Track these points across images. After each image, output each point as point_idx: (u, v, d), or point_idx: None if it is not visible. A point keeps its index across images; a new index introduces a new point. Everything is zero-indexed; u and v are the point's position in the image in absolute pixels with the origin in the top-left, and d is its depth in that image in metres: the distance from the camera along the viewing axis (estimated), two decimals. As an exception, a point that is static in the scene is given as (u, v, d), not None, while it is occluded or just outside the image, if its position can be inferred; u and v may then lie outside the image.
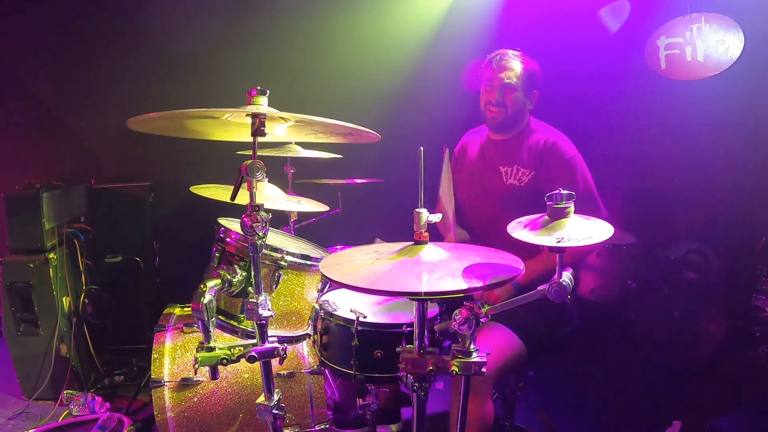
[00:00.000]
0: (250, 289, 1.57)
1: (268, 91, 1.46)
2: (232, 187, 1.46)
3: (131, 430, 2.39)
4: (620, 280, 3.45)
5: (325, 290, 1.90)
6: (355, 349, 1.93)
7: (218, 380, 2.13)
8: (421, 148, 1.47)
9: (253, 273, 1.48)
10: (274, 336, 1.59)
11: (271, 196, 2.03)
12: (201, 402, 2.11)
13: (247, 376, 2.18)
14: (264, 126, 1.47)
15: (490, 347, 1.94)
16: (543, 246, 1.30)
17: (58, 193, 3.22)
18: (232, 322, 1.67)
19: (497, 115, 2.30)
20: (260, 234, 1.43)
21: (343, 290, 2.33)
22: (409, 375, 1.37)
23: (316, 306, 1.86)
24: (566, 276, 1.32)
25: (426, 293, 1.20)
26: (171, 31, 3.62)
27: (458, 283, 1.22)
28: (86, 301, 3.31)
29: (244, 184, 1.44)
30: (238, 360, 1.49)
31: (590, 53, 3.60)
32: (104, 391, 3.20)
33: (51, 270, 3.06)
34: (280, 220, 2.82)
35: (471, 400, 1.90)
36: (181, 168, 3.70)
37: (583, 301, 3.42)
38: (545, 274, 1.67)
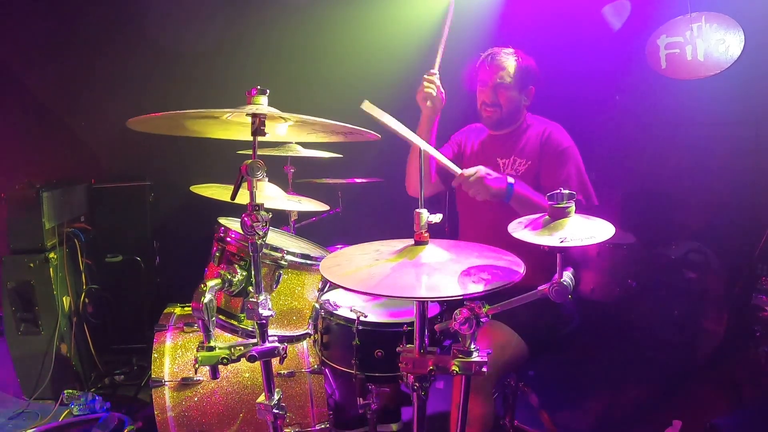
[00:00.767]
0: (250, 288, 1.57)
1: (268, 91, 1.46)
2: (233, 187, 1.46)
3: (131, 430, 2.39)
4: (620, 279, 3.45)
5: (325, 289, 1.90)
6: (355, 348, 1.93)
7: (219, 380, 2.14)
8: (421, 148, 1.48)
9: (253, 272, 1.48)
10: (275, 335, 1.59)
11: (271, 195, 2.03)
12: (201, 401, 2.11)
13: (247, 375, 2.18)
14: (264, 125, 1.47)
15: (491, 345, 1.95)
16: (544, 246, 1.29)
17: (58, 192, 3.22)
18: (232, 321, 1.67)
19: (492, 115, 2.32)
20: (260, 233, 1.43)
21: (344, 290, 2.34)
22: (409, 374, 1.37)
23: (317, 305, 1.86)
24: (567, 276, 1.32)
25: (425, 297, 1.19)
26: (171, 31, 3.62)
27: (458, 288, 1.22)
28: (86, 300, 3.31)
29: (245, 184, 1.44)
30: (238, 359, 1.49)
31: (590, 52, 3.59)
32: (104, 391, 3.21)
33: (51, 270, 3.06)
34: (280, 219, 2.82)
35: (472, 399, 1.91)
36: (181, 167, 3.70)
37: (583, 301, 3.42)
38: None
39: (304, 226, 3.12)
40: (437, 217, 1.42)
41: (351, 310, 2.03)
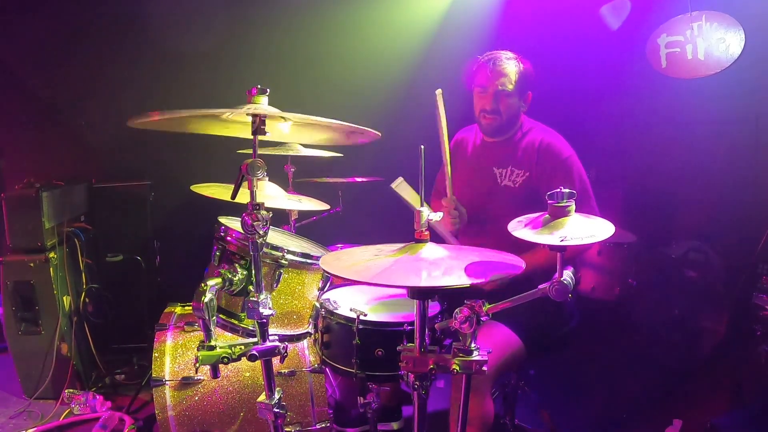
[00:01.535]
0: (250, 287, 1.57)
1: (268, 90, 1.46)
2: (233, 186, 1.46)
3: (132, 429, 2.39)
4: (621, 278, 3.45)
5: (325, 289, 1.90)
6: (356, 347, 1.93)
7: (219, 379, 2.14)
8: (422, 147, 1.48)
9: (253, 272, 1.49)
10: (275, 334, 1.60)
11: (271, 194, 2.03)
12: (202, 401, 2.12)
13: (248, 374, 2.18)
14: (264, 125, 1.47)
15: (491, 344, 1.95)
16: (544, 245, 1.30)
17: (59, 192, 3.22)
18: (233, 320, 1.67)
19: (492, 122, 2.28)
20: (261, 232, 1.43)
21: (344, 289, 2.34)
22: (409, 373, 1.37)
23: (317, 304, 1.86)
24: (567, 274, 1.32)
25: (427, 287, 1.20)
26: (172, 31, 3.62)
27: (459, 279, 1.22)
28: (87, 300, 3.31)
29: (245, 183, 1.44)
30: (239, 359, 1.49)
31: (591, 52, 3.59)
32: (105, 390, 3.21)
33: (52, 269, 3.06)
34: (280, 218, 2.82)
35: (473, 397, 1.91)
36: (181, 167, 3.70)
37: (583, 300, 3.42)
38: (541, 267, 1.67)
39: (305, 226, 3.12)
40: (437, 216, 1.42)
41: (351, 310, 2.03)
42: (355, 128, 1.53)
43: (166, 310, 2.50)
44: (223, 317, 1.67)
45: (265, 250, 1.60)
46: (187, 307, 2.52)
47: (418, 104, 3.84)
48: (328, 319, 2.05)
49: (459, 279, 1.23)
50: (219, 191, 2.09)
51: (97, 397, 2.92)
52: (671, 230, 3.70)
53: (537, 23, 3.51)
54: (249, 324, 1.64)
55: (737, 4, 3.06)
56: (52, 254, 3.08)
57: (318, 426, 2.20)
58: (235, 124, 1.60)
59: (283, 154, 2.76)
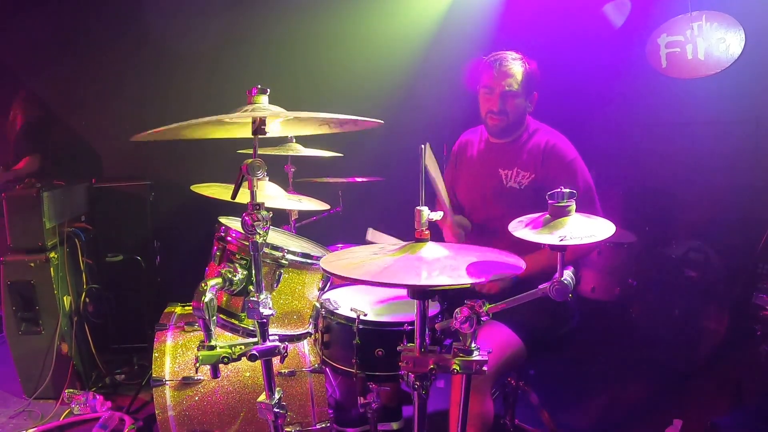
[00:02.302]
0: (251, 287, 1.57)
1: (268, 90, 1.46)
2: (233, 186, 1.46)
3: (132, 429, 2.39)
4: (621, 278, 3.45)
5: (326, 289, 1.90)
6: (356, 347, 1.93)
7: (219, 379, 2.14)
8: (422, 146, 1.48)
9: (254, 271, 1.48)
10: (275, 334, 1.59)
11: (271, 194, 2.03)
12: (202, 401, 2.12)
13: (248, 374, 2.18)
14: (264, 125, 1.47)
15: (491, 344, 1.94)
16: (544, 245, 1.30)
17: (59, 192, 3.22)
18: (233, 320, 1.67)
19: (499, 123, 2.27)
20: (261, 232, 1.43)
21: (345, 289, 2.34)
22: (410, 373, 1.37)
23: (317, 304, 1.86)
24: (567, 274, 1.32)
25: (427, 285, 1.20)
26: (172, 31, 3.62)
27: (459, 278, 1.22)
28: (87, 300, 3.31)
29: (245, 183, 1.44)
30: (239, 359, 1.49)
31: (591, 52, 3.59)
32: (105, 390, 3.20)
33: (52, 269, 3.06)
34: (280, 218, 2.82)
35: (474, 397, 1.91)
36: (181, 167, 3.71)
37: (583, 300, 3.42)
38: (544, 270, 1.66)
39: (305, 226, 3.12)
40: (438, 215, 1.42)
41: (352, 310, 2.03)
42: (356, 120, 1.52)
43: (166, 310, 2.50)
44: (224, 317, 1.67)
45: (265, 250, 1.60)
46: (187, 307, 2.52)
47: (418, 104, 3.87)
48: (328, 319, 2.05)
49: (458, 279, 1.23)
50: (219, 191, 2.09)
51: (97, 397, 2.92)
52: (671, 230, 3.70)
53: (537, 23, 3.51)
54: (249, 324, 1.64)
55: (737, 4, 3.06)
56: (52, 254, 3.08)
57: (318, 426, 2.20)
58: (235, 125, 1.60)
59: (283, 154, 2.76)
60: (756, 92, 3.26)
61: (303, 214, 3.06)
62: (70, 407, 2.88)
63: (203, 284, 1.51)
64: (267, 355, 1.51)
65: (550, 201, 1.35)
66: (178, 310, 2.50)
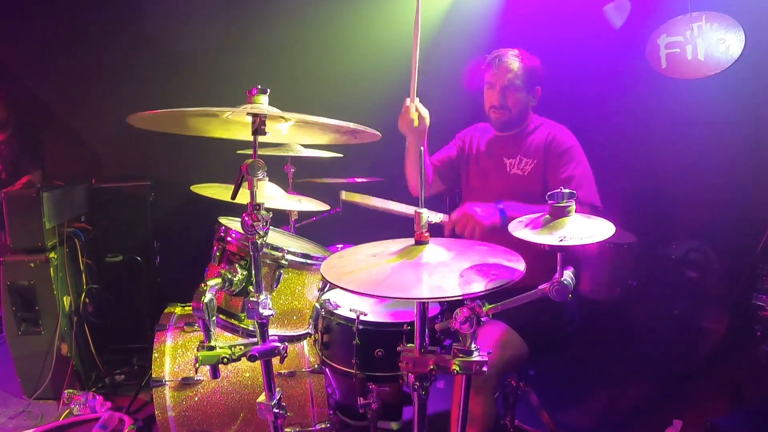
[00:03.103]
0: (250, 288, 1.57)
1: (268, 90, 1.46)
2: (233, 186, 1.46)
3: (132, 430, 2.39)
4: (621, 278, 3.45)
5: (325, 289, 1.90)
6: (356, 347, 1.93)
7: (219, 379, 2.14)
8: (422, 148, 1.48)
9: (253, 272, 1.48)
10: (275, 335, 1.60)
11: (271, 195, 2.03)
12: (202, 401, 2.12)
13: (248, 375, 2.18)
14: (264, 125, 1.47)
15: (491, 344, 1.95)
16: (544, 245, 1.29)
17: (59, 192, 3.22)
18: (232, 321, 1.67)
19: (501, 117, 2.34)
20: (261, 233, 1.43)
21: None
22: (410, 374, 1.37)
23: (317, 305, 1.86)
24: (567, 275, 1.32)
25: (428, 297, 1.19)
26: (172, 31, 3.62)
27: (459, 288, 1.22)
28: (87, 300, 3.31)
29: (245, 183, 1.44)
30: (238, 359, 1.49)
31: (591, 52, 3.59)
32: (105, 391, 3.21)
33: (52, 269, 3.06)
34: (280, 219, 2.82)
35: (474, 398, 1.91)
36: (181, 167, 3.70)
37: (583, 300, 3.42)
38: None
39: (305, 226, 3.12)
40: (438, 217, 1.42)
41: (351, 310, 2.03)
42: (356, 129, 1.52)
43: (165, 311, 2.50)
44: (223, 317, 1.67)
45: (265, 250, 1.60)
46: (187, 308, 2.52)
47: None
48: (328, 319, 2.05)
49: (459, 289, 1.22)
50: (219, 191, 2.09)
51: (97, 397, 2.92)
52: (671, 230, 3.69)
53: (537, 24, 3.51)
54: (249, 324, 1.64)
55: (737, 4, 3.06)
56: (52, 254, 3.08)
57: (318, 426, 2.20)
58: (235, 125, 1.60)
59: (283, 154, 2.77)
60: (756, 93, 3.26)
61: (303, 215, 3.06)
62: (69, 407, 2.88)
63: (203, 284, 1.51)
64: (267, 355, 1.50)
65: (549, 201, 1.35)
66: (178, 310, 2.50)
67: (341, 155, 2.95)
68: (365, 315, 1.99)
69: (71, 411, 2.86)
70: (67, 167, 3.75)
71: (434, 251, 1.37)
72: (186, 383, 2.12)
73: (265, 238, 1.45)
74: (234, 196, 1.47)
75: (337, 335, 2.03)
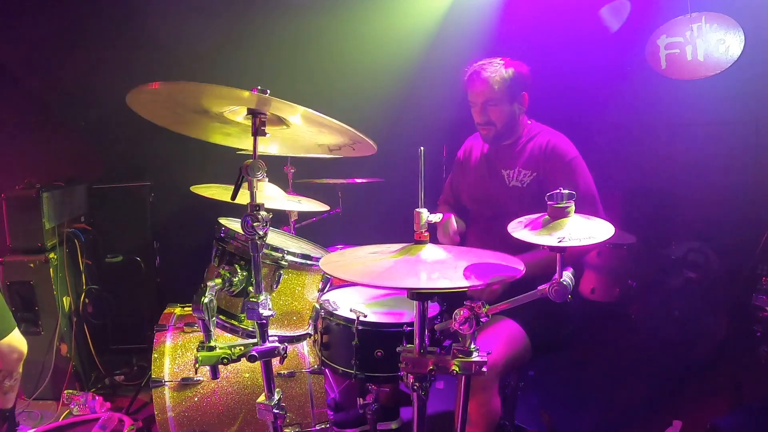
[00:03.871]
0: (250, 288, 1.57)
1: (268, 91, 1.46)
2: (233, 187, 1.46)
3: (132, 430, 2.39)
4: (621, 279, 3.45)
5: (325, 290, 1.90)
6: (355, 348, 1.93)
7: (219, 380, 2.14)
8: (422, 148, 1.48)
9: (253, 272, 1.48)
10: (275, 335, 1.60)
11: (271, 195, 2.04)
12: (201, 401, 2.12)
13: (247, 375, 2.18)
14: (264, 125, 1.47)
15: (497, 340, 1.95)
16: (544, 245, 1.30)
17: (59, 192, 3.22)
18: (232, 321, 1.67)
19: (488, 133, 2.29)
20: (261, 233, 1.43)
21: (344, 290, 2.34)
22: (409, 375, 1.37)
23: (317, 305, 1.86)
24: (566, 276, 1.32)
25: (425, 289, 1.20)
26: (172, 31, 3.62)
27: (457, 281, 1.22)
28: (87, 300, 3.31)
29: (245, 184, 1.44)
30: (238, 359, 1.49)
31: (590, 53, 3.59)
32: (105, 391, 3.21)
33: (51, 270, 3.06)
34: (280, 219, 2.82)
35: (477, 396, 1.91)
36: (181, 168, 3.70)
37: (583, 301, 3.42)
38: (543, 268, 1.66)
39: (305, 227, 3.12)
40: (437, 217, 1.42)
41: (351, 311, 2.03)
42: (355, 136, 1.51)
43: (165, 311, 2.50)
44: (223, 318, 1.67)
45: (264, 251, 1.60)
46: (186, 308, 2.52)
47: (418, 105, 3.86)
48: (327, 320, 2.05)
49: (457, 282, 1.23)
50: (219, 192, 2.09)
51: (97, 397, 2.92)
52: (671, 231, 3.70)
53: (537, 24, 3.51)
54: (249, 325, 1.64)
55: (737, 5, 3.06)
56: (52, 255, 3.08)
57: (317, 427, 2.20)
58: (235, 128, 1.60)
59: (282, 155, 2.76)
60: (756, 93, 3.26)
61: (303, 215, 3.06)
62: (69, 408, 2.88)
63: (203, 285, 1.51)
64: (266, 356, 1.50)
65: (549, 202, 1.35)
66: (178, 310, 2.50)
67: (341, 155, 2.95)
68: (365, 316, 1.99)
69: (71, 411, 2.86)
70: (67, 167, 3.75)
71: (433, 251, 1.38)
72: (186, 384, 2.12)
73: (264, 239, 1.45)
74: (234, 197, 1.48)
75: (337, 336, 2.02)
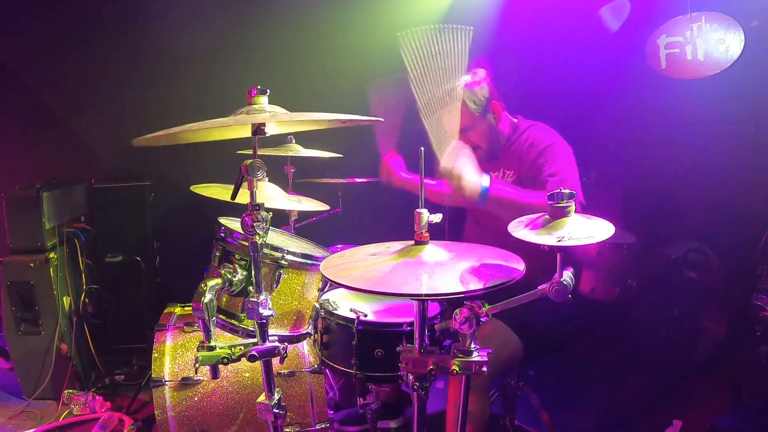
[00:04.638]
0: (250, 288, 1.57)
1: (268, 91, 1.46)
2: (233, 187, 1.46)
3: (132, 430, 2.39)
4: (621, 279, 3.45)
5: (325, 289, 1.90)
6: (355, 348, 1.93)
7: (219, 379, 2.14)
8: (422, 149, 1.48)
9: (253, 272, 1.48)
10: (275, 335, 1.60)
11: (271, 195, 2.03)
12: (202, 401, 2.12)
13: (247, 375, 2.18)
14: (264, 125, 1.47)
15: (488, 344, 1.94)
16: (543, 246, 1.29)
17: (59, 192, 3.22)
18: (232, 321, 1.67)
19: (477, 156, 2.17)
20: (261, 233, 1.43)
21: (344, 290, 2.34)
22: (409, 374, 1.37)
23: (317, 305, 1.86)
24: (567, 275, 1.32)
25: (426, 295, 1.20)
26: (172, 31, 3.62)
27: (458, 285, 1.22)
28: (87, 300, 3.31)
29: (245, 184, 1.44)
30: (238, 359, 1.49)
31: (590, 52, 3.59)
32: (105, 391, 3.21)
33: (51, 270, 3.06)
34: (280, 219, 2.82)
35: (469, 396, 1.91)
36: (181, 167, 3.69)
37: (583, 300, 3.42)
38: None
39: (305, 226, 3.12)
40: (437, 217, 1.42)
41: (351, 310, 2.03)
42: (356, 120, 1.51)
43: (165, 311, 2.50)
44: (223, 318, 1.67)
45: (265, 250, 1.60)
46: (186, 308, 2.52)
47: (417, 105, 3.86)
48: (327, 319, 2.05)
49: (457, 286, 1.22)
50: (219, 192, 2.09)
51: (97, 397, 2.92)
52: (671, 231, 3.70)
53: (537, 24, 3.51)
54: (249, 324, 1.64)
55: (737, 5, 3.06)
56: (52, 254, 3.08)
57: (317, 426, 2.20)
58: (234, 125, 1.59)
59: (282, 154, 2.76)
60: (755, 93, 3.26)
61: (303, 215, 3.06)
62: (69, 408, 2.88)
63: (203, 285, 1.51)
64: (266, 355, 1.51)
65: (549, 202, 1.35)
66: (178, 310, 2.50)
67: (341, 155, 2.95)
68: (365, 316, 1.99)
69: (71, 411, 2.86)
70: (67, 167, 3.75)
71: (433, 252, 1.37)
72: (186, 383, 2.12)
73: (264, 239, 1.45)
74: (234, 197, 1.47)
75: (337, 335, 2.03)
